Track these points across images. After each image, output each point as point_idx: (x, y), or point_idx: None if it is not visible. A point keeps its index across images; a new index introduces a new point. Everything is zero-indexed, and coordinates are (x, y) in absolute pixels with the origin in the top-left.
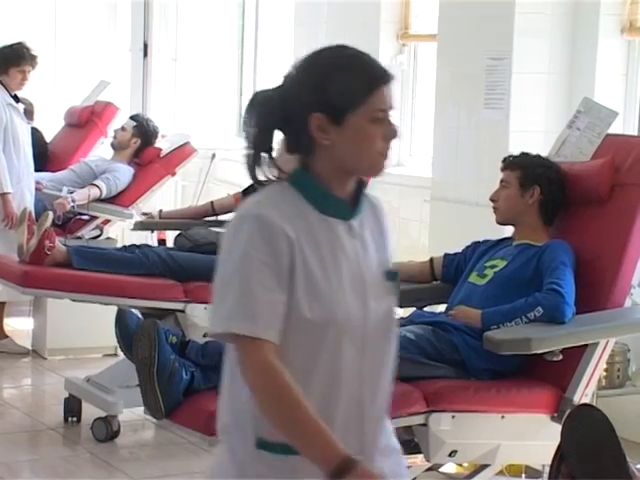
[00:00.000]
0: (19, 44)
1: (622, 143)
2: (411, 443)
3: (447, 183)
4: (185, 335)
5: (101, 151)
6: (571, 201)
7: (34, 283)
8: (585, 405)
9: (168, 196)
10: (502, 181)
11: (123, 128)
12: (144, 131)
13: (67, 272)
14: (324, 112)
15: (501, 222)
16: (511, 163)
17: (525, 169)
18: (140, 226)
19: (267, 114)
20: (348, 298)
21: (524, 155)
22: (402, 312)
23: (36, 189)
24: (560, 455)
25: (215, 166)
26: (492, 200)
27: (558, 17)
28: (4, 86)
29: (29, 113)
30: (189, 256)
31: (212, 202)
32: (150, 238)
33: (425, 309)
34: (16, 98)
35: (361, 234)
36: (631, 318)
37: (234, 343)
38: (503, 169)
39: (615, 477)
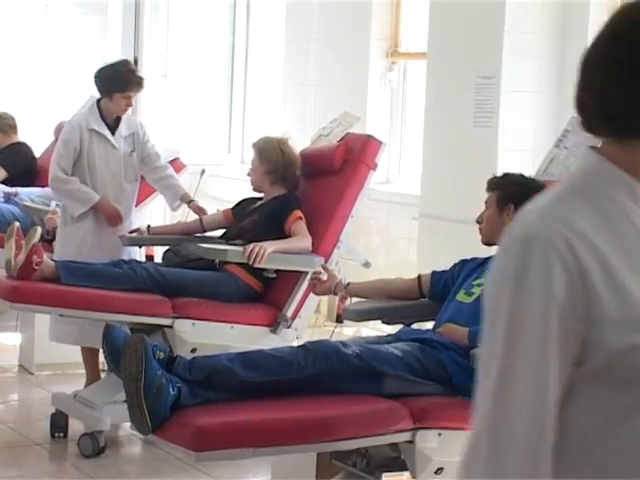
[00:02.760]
0: (124, 65)
1: None
2: (397, 460)
3: (436, 201)
4: (173, 350)
5: None
6: None
7: (22, 298)
8: None
9: (157, 212)
10: (485, 202)
11: None
12: None
13: (55, 287)
14: None
15: (485, 243)
16: (490, 184)
17: (501, 189)
18: (128, 241)
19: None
20: None
21: (504, 175)
22: (390, 329)
23: (11, 200)
24: None
25: (205, 182)
26: (478, 222)
27: (547, 36)
28: (100, 110)
29: (12, 127)
30: (177, 272)
31: (201, 219)
32: (138, 253)
33: (413, 326)
34: (116, 121)
35: None
36: None
37: None
38: (486, 190)
39: None
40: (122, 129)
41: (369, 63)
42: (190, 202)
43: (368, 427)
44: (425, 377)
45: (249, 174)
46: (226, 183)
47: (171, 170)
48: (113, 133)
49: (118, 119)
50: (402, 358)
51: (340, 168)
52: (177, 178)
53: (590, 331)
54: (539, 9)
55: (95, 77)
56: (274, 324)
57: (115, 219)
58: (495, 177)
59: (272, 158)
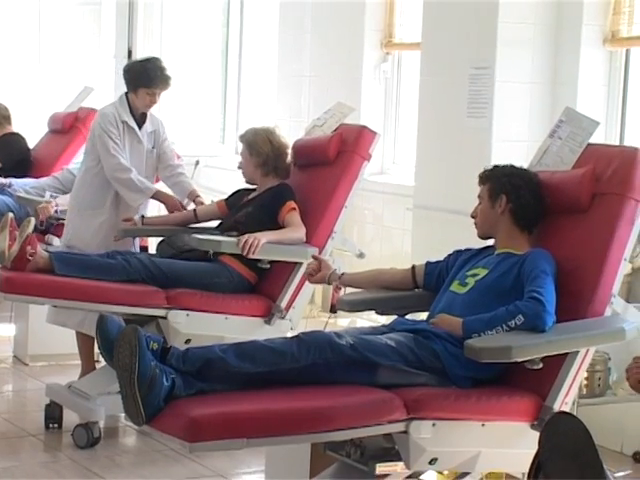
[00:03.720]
0: (153, 62)
1: (603, 153)
2: (391, 451)
3: (430, 191)
4: (166, 341)
5: None
6: (552, 210)
7: (16, 289)
8: (563, 413)
9: (151, 203)
10: (478, 196)
11: None
12: None
13: (49, 278)
14: None
15: (481, 236)
16: (482, 177)
17: (492, 180)
18: (123, 233)
19: None
20: None
21: (495, 167)
22: (384, 319)
23: (4, 191)
24: (538, 463)
25: (199, 173)
26: (472, 217)
27: (541, 27)
28: (129, 103)
29: (5, 118)
30: (171, 263)
31: (195, 209)
32: (132, 244)
33: (407, 317)
34: (142, 117)
35: None
36: (611, 327)
37: None
38: (478, 184)
39: None
40: (147, 125)
41: (363, 54)
42: (196, 198)
43: (362, 418)
44: (419, 367)
45: (240, 167)
46: (220, 174)
47: (183, 168)
48: (140, 128)
49: (144, 115)
50: (396, 348)
51: (334, 159)
52: (187, 176)
53: None
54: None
55: (124, 71)
56: (268, 315)
57: (176, 206)
58: (486, 170)
59: (262, 151)
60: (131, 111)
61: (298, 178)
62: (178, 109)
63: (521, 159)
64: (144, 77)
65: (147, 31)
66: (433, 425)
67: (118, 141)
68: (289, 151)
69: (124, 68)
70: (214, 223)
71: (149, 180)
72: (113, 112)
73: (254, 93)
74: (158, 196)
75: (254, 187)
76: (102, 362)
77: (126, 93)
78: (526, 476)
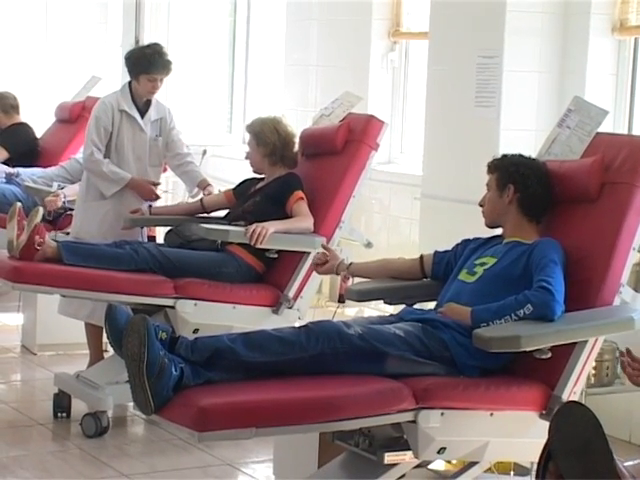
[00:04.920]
0: (153, 47)
1: (612, 142)
2: (400, 440)
3: (438, 181)
4: (175, 331)
5: None
6: (561, 199)
7: (24, 278)
8: (573, 402)
9: (158, 192)
10: (486, 185)
11: None
12: None
13: (57, 267)
14: None
15: (489, 225)
16: (490, 166)
17: (500, 170)
18: (131, 222)
19: None
20: None
21: (503, 157)
22: (392, 309)
23: (12, 181)
24: (547, 452)
25: (206, 163)
26: (480, 205)
27: (549, 16)
28: (132, 91)
29: (13, 107)
30: (179, 252)
31: (202, 199)
32: (140, 234)
33: (415, 306)
34: (146, 105)
35: None
36: (620, 316)
37: None
38: (487, 173)
39: (602, 475)
40: (151, 113)
41: (371, 43)
42: (206, 187)
43: (370, 407)
44: (427, 357)
45: (247, 157)
46: (228, 163)
47: (192, 157)
48: (142, 116)
49: (148, 103)
50: (404, 338)
51: (342, 148)
52: (197, 165)
53: None
54: None
55: (125, 58)
56: (276, 305)
57: (150, 194)
58: (494, 159)
59: (269, 140)
60: (134, 99)
61: (305, 168)
62: (185, 98)
63: (529, 148)
64: (144, 63)
65: (154, 20)
66: (442, 414)
67: (104, 130)
68: (296, 140)
69: (125, 55)
70: (222, 213)
71: (155, 169)
72: (111, 101)
73: (261, 83)
74: (133, 184)
75: (262, 177)
76: (110, 351)
77: (130, 82)
78: (535, 465)
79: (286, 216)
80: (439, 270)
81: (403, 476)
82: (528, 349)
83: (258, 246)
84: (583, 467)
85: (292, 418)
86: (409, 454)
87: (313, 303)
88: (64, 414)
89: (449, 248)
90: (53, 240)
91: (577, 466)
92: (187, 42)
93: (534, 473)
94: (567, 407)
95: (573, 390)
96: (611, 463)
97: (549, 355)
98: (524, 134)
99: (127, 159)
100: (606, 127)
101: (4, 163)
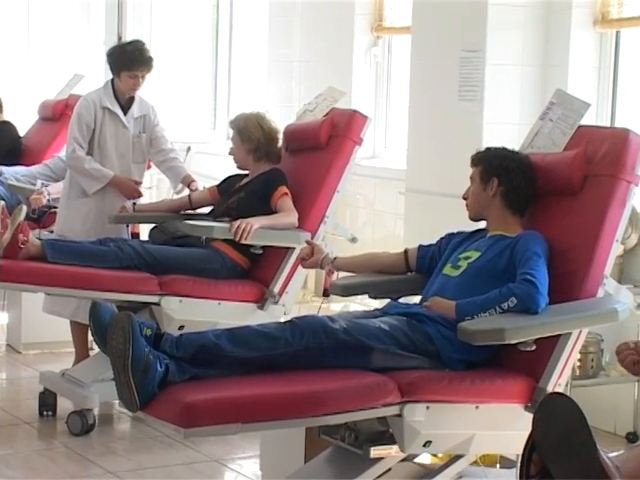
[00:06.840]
0: (134, 44)
1: (594, 134)
2: (386, 434)
3: (422, 175)
4: (160, 327)
5: None
6: (544, 192)
7: (8, 277)
8: (556, 393)
9: (142, 189)
10: (470, 178)
11: None
12: None
13: (41, 266)
14: None
15: (472, 218)
16: (473, 159)
17: (484, 163)
18: (115, 219)
19: None
20: None
21: (487, 150)
22: (376, 303)
23: None
24: (531, 444)
25: (190, 159)
26: (464, 198)
27: (531, 9)
28: (114, 88)
29: None
30: (164, 249)
31: (190, 195)
32: (125, 231)
33: (399, 300)
34: (129, 102)
35: None
36: (604, 308)
37: None
38: (470, 166)
39: (585, 464)
40: (134, 110)
41: (354, 38)
42: (191, 183)
43: (356, 401)
44: (412, 351)
45: (231, 153)
46: (212, 160)
47: (176, 153)
48: (125, 113)
49: (131, 100)
50: (389, 332)
51: (326, 143)
52: (181, 161)
53: None
54: None
55: (107, 55)
56: (261, 300)
57: (133, 192)
58: (478, 152)
59: (253, 136)
60: (116, 96)
61: (289, 163)
62: (169, 95)
63: (512, 141)
64: (125, 60)
65: (137, 17)
66: (427, 408)
67: (86, 127)
68: (280, 136)
69: (107, 53)
70: (207, 209)
71: (139, 166)
72: (94, 98)
73: (245, 79)
74: (115, 181)
75: (246, 173)
76: (96, 349)
77: (112, 79)
78: (520, 457)
79: (271, 212)
80: (423, 264)
81: (389, 470)
82: (512, 342)
83: (243, 242)
84: (567, 457)
85: (278, 413)
86: (395, 448)
87: (299, 298)
88: (50, 412)
89: (433, 242)
90: (37, 238)
91: (561, 457)
92: (170, 39)
93: (519, 465)
94: (550, 398)
95: (558, 382)
96: (594, 453)
97: (534, 347)
98: (507, 127)
99: (110, 156)
100: (588, 119)
101: None
